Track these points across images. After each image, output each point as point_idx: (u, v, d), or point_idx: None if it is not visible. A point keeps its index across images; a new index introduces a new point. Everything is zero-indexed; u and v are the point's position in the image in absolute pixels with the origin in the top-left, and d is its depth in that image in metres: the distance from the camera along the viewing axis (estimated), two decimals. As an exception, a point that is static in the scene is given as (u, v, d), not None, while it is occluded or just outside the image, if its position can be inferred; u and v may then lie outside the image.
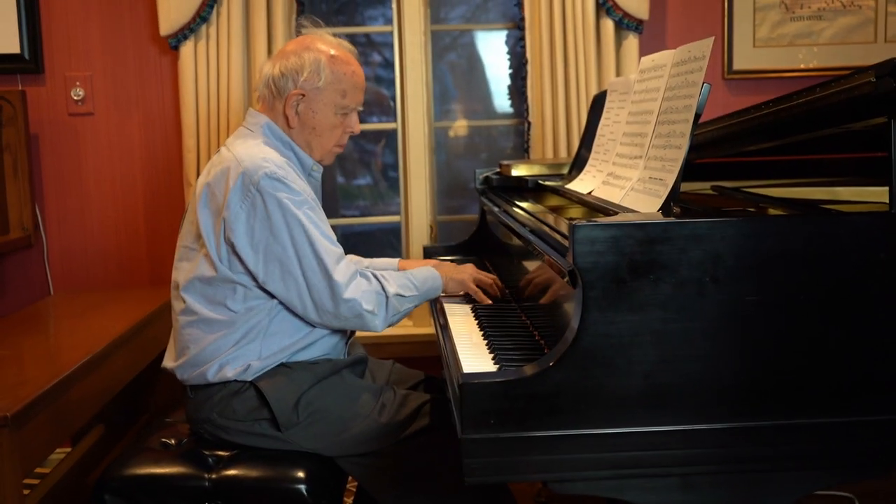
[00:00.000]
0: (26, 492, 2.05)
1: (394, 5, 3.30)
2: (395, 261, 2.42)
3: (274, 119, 2.06)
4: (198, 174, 3.06)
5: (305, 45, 2.04)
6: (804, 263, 1.37)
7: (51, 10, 3.17)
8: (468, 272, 2.17)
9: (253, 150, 1.96)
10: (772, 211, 1.71)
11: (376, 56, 3.62)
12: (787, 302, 1.37)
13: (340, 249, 1.96)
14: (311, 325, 1.99)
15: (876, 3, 3.21)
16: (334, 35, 2.12)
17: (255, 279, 1.93)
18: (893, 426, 1.39)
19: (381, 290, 1.97)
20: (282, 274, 1.90)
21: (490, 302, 2.09)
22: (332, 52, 2.04)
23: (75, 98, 3.20)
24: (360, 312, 1.92)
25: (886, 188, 1.43)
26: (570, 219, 1.56)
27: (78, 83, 3.19)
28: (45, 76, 3.19)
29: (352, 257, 2.44)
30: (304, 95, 2.02)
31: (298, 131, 2.06)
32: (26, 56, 3.15)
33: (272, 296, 1.94)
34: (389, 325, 2.01)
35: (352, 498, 2.49)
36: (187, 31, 3.03)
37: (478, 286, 2.14)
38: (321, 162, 2.12)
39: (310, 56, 2.01)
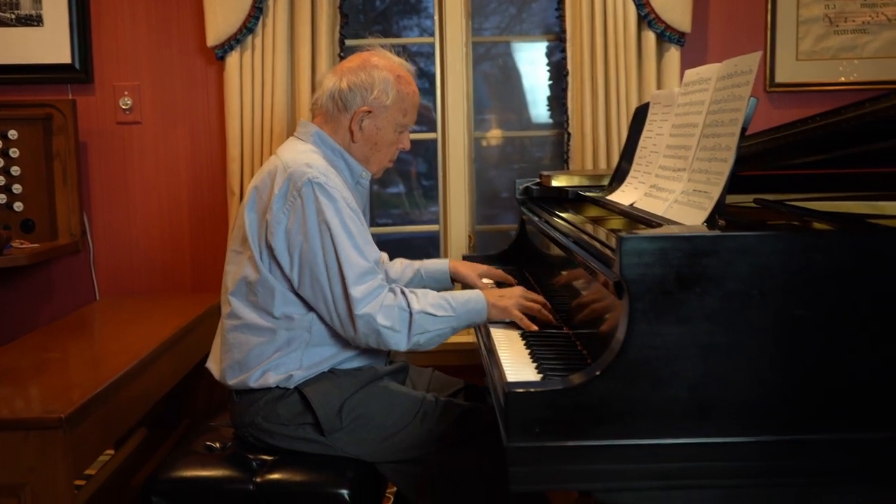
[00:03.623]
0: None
1: (436, 17, 3.33)
2: (445, 261, 2.45)
3: (333, 131, 2.10)
4: (241, 183, 3.11)
5: (373, 63, 2.09)
6: (853, 278, 1.36)
7: (101, 21, 3.24)
8: (515, 297, 2.00)
9: (299, 156, 2.00)
10: (816, 225, 1.70)
11: (412, 66, 3.64)
12: (835, 316, 1.36)
13: (370, 263, 1.92)
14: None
15: (921, 17, 3.18)
16: (377, 45, 2.16)
17: (291, 285, 1.96)
18: (943, 442, 1.38)
19: (406, 307, 1.91)
20: (311, 281, 1.93)
21: (536, 329, 1.92)
22: (398, 72, 2.11)
23: (123, 107, 3.27)
24: (377, 328, 1.88)
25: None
26: (617, 231, 1.57)
27: (126, 93, 3.26)
28: (94, 86, 3.26)
29: (401, 260, 2.47)
30: (370, 112, 2.07)
31: (360, 146, 2.10)
32: (77, 66, 3.22)
33: (311, 306, 1.97)
34: (419, 346, 1.94)
35: (390, 505, 2.51)
36: (233, 41, 3.08)
37: (525, 312, 1.97)
38: (374, 175, 2.17)
39: (379, 74, 2.07)
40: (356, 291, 1.88)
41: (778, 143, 1.84)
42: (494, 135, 3.58)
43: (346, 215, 1.94)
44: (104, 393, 2.04)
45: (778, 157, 1.95)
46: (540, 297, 2.02)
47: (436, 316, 1.93)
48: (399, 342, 1.91)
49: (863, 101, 1.51)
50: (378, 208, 3.76)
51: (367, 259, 1.93)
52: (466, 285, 2.40)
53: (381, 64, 2.10)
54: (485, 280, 2.42)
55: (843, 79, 3.22)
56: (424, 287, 2.35)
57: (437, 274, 2.45)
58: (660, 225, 1.67)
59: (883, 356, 1.38)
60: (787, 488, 1.41)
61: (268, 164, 2.05)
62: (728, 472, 1.37)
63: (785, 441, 1.37)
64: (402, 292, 1.94)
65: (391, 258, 2.52)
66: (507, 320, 1.98)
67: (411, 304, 1.91)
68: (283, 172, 1.96)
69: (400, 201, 3.76)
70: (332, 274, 1.90)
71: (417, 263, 2.46)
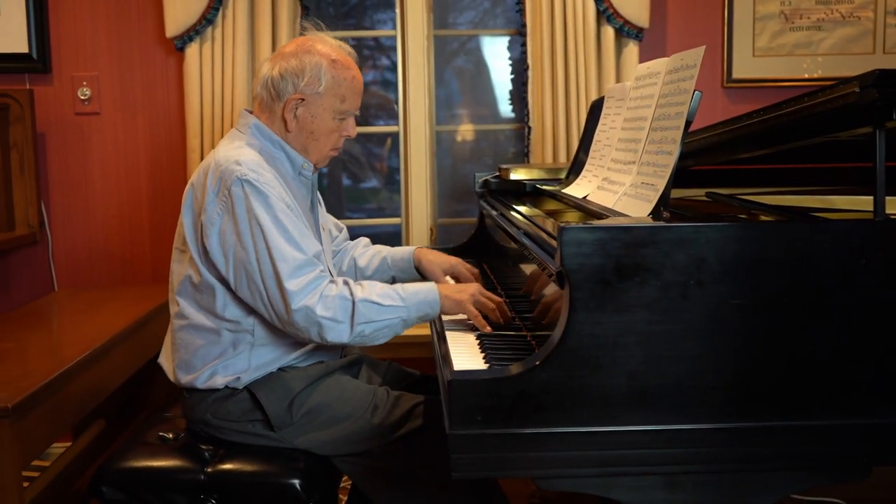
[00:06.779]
0: (25, 484, 2.09)
1: (397, 10, 3.34)
2: (412, 248, 2.39)
3: (270, 121, 2.03)
4: (201, 174, 3.10)
5: (306, 48, 2.00)
6: (787, 268, 1.39)
7: (59, 10, 3.22)
8: (469, 292, 1.92)
9: (231, 152, 1.93)
10: (763, 217, 1.73)
11: (384, 60, 3.66)
12: (769, 305, 1.40)
13: (306, 255, 1.85)
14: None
15: (875, 15, 3.23)
16: (338, 38, 2.09)
17: (228, 286, 1.91)
18: (872, 430, 1.41)
19: (348, 296, 1.83)
20: (247, 281, 1.87)
21: (490, 329, 1.85)
22: (333, 56, 2.00)
23: (82, 98, 3.24)
24: (318, 320, 1.80)
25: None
26: (561, 222, 1.59)
27: (85, 83, 3.24)
28: (52, 76, 3.23)
29: (372, 246, 2.44)
30: (303, 100, 1.99)
31: (296, 135, 2.03)
32: (34, 56, 3.19)
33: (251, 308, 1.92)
34: (365, 337, 1.85)
35: (346, 495, 2.51)
36: (193, 33, 3.07)
37: (480, 309, 1.89)
38: (316, 165, 2.12)
39: (311, 60, 1.97)
40: (291, 285, 1.81)
41: (725, 136, 1.87)
42: (463, 129, 3.59)
43: (279, 209, 1.87)
44: (54, 383, 2.03)
45: (727, 151, 1.98)
46: (496, 297, 1.94)
47: (381, 305, 1.85)
48: (341, 333, 1.83)
49: (802, 96, 1.54)
50: (352, 202, 3.76)
51: (303, 252, 1.85)
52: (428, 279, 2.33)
53: (314, 48, 1.99)
54: (448, 278, 2.32)
55: (799, 75, 3.27)
56: (391, 276, 2.36)
57: (402, 262, 2.38)
58: (608, 217, 1.69)
59: (817, 345, 1.41)
60: (725, 475, 1.44)
61: (206, 159, 1.98)
62: (667, 459, 1.40)
63: (723, 429, 1.40)
64: (346, 283, 1.86)
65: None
66: (459, 314, 1.93)
67: (354, 293, 1.83)
68: (215, 171, 1.89)
69: (371, 195, 3.76)
70: (266, 271, 1.84)
71: (386, 251, 2.42)
